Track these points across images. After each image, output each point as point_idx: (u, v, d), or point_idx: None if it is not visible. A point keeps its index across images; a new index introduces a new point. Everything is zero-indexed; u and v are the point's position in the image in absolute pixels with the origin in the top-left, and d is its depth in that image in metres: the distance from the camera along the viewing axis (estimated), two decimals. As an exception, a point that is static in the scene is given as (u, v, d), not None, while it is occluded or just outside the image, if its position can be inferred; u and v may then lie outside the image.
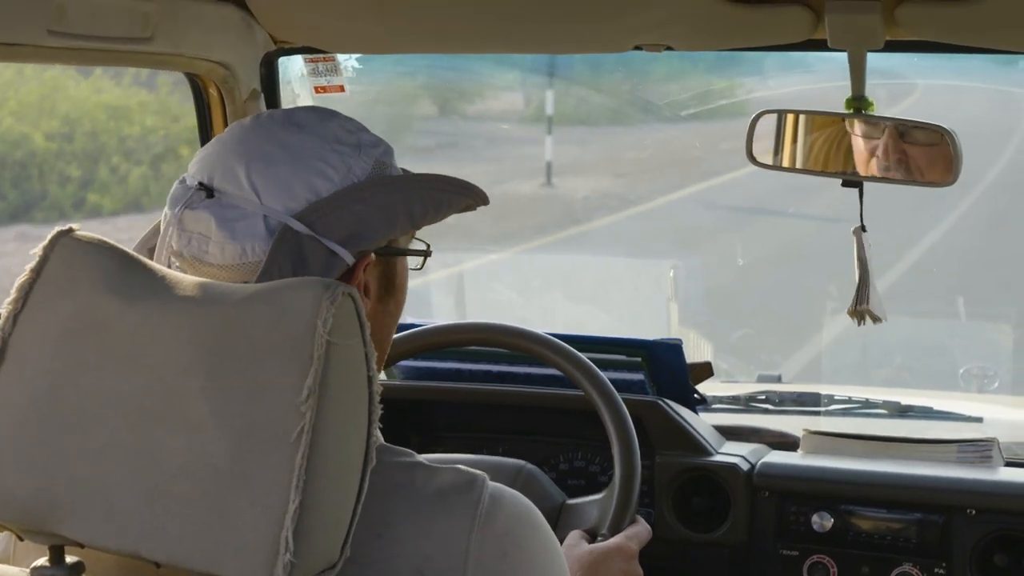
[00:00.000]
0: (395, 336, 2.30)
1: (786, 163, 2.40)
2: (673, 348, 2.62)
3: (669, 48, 2.22)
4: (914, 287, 8.94)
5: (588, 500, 2.18)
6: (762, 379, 3.30)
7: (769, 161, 2.40)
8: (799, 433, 2.59)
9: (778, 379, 3.33)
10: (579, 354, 2.22)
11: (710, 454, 2.46)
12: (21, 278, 1.29)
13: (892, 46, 2.10)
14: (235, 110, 2.36)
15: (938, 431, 2.70)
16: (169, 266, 1.41)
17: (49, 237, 1.31)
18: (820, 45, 2.10)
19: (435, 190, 1.50)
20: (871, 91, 2.26)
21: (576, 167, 14.60)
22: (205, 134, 2.40)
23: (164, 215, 1.46)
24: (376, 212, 1.44)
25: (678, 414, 2.49)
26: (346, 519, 1.24)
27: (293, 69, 2.57)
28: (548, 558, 1.41)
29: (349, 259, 1.43)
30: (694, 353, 3.54)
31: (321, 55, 2.52)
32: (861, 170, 2.33)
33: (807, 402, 2.92)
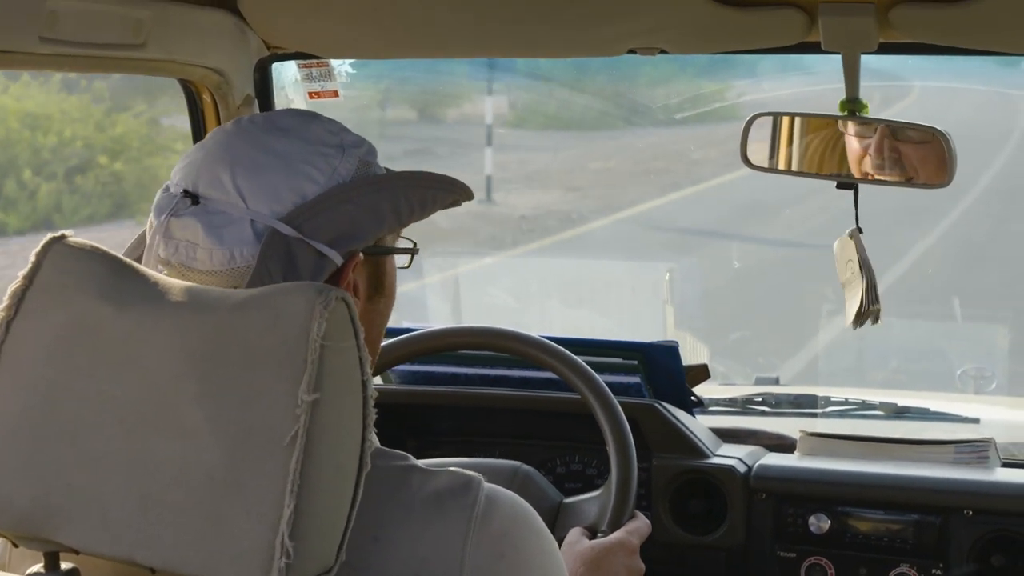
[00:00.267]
0: (392, 341, 2.31)
1: (781, 165, 2.40)
2: (669, 351, 2.62)
3: (663, 52, 2.22)
4: (911, 289, 8.95)
5: (586, 498, 2.18)
6: (760, 381, 3.30)
7: (764, 164, 2.40)
8: (796, 435, 2.59)
9: (776, 381, 3.33)
10: (575, 357, 2.22)
11: (707, 456, 2.46)
12: (14, 285, 1.29)
13: (886, 48, 2.10)
14: (229, 116, 2.36)
15: (935, 432, 2.70)
16: None
17: (42, 243, 1.31)
18: (814, 48, 2.10)
19: (420, 187, 1.50)
20: (867, 93, 2.26)
21: (532, 178, 14.28)
22: (198, 141, 2.39)
23: (149, 224, 1.46)
24: (363, 212, 1.44)
25: (675, 417, 2.49)
26: (341, 523, 1.24)
27: (287, 75, 2.57)
28: (546, 559, 1.41)
29: (338, 260, 1.43)
30: (690, 356, 3.54)
31: (315, 61, 2.52)
32: (856, 172, 2.33)
33: (804, 404, 2.92)
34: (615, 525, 2.07)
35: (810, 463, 2.49)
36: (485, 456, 2.50)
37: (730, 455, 2.49)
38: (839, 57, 2.12)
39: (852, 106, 2.24)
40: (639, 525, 2.08)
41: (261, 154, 1.45)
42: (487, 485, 1.38)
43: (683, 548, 2.46)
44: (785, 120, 2.39)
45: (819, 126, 2.38)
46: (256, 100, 2.41)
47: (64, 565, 1.28)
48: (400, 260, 1.57)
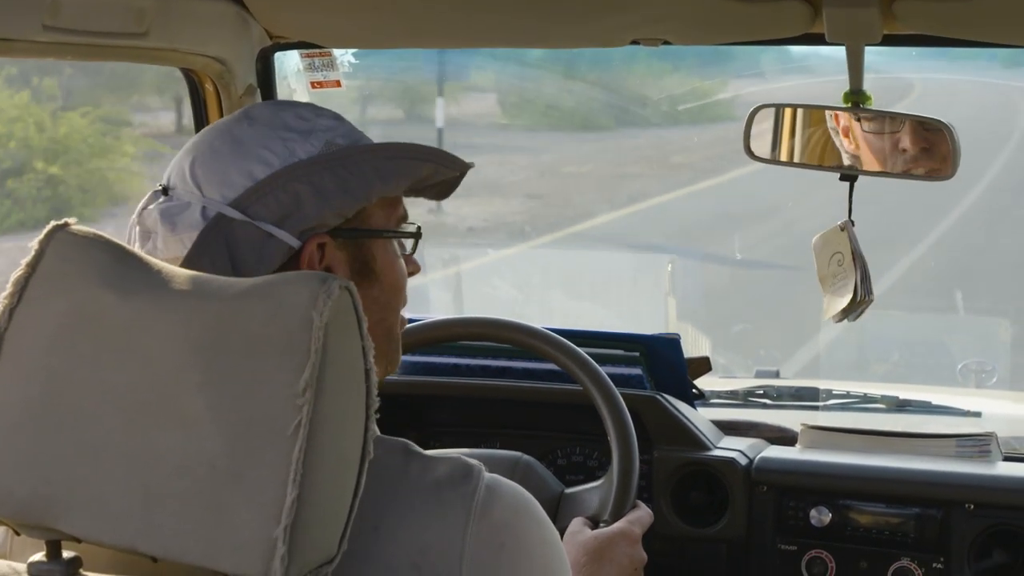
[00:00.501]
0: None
1: (784, 157, 2.40)
2: (671, 343, 2.62)
3: (667, 42, 2.22)
4: (914, 284, 8.96)
5: (587, 488, 2.18)
6: (760, 374, 3.30)
7: (767, 155, 2.40)
8: (797, 428, 2.58)
9: (776, 374, 3.33)
10: (577, 349, 2.22)
11: (708, 449, 2.46)
12: (16, 273, 1.29)
13: (890, 40, 2.10)
14: (231, 105, 2.36)
15: (936, 426, 2.70)
16: None
17: (45, 231, 1.31)
18: (818, 39, 2.10)
19: (383, 159, 1.47)
20: (869, 87, 2.26)
21: (496, 183, 13.96)
22: (200, 129, 2.39)
23: None
24: (310, 189, 1.43)
25: (676, 409, 2.49)
26: (344, 513, 1.24)
27: (289, 64, 2.57)
28: (547, 549, 1.41)
29: (291, 240, 1.42)
30: (692, 348, 3.54)
31: (317, 50, 2.51)
32: (871, 166, 2.32)
33: (805, 397, 2.92)
34: (617, 515, 2.07)
35: (811, 456, 2.48)
36: (486, 447, 2.50)
37: (731, 447, 2.49)
38: (818, 57, 2.11)
39: (856, 98, 2.24)
40: (641, 515, 2.08)
41: (219, 142, 1.47)
42: (488, 474, 1.38)
43: (684, 540, 2.46)
44: (787, 112, 2.39)
45: (822, 118, 2.38)
46: (258, 90, 2.41)
47: (66, 554, 1.27)
48: (407, 246, 1.56)
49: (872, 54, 2.16)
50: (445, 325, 2.36)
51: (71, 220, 1.33)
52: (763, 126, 2.39)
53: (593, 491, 2.17)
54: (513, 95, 15.75)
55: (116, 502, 1.22)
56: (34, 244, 1.30)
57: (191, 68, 2.32)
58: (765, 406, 2.88)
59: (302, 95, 2.55)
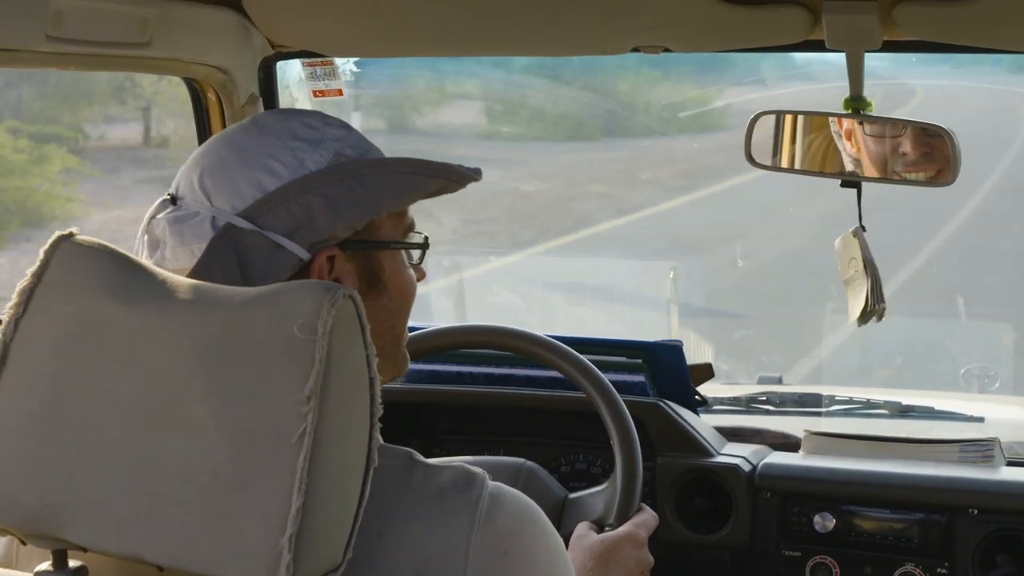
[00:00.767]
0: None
1: (784, 164, 2.41)
2: (674, 350, 2.62)
3: (667, 50, 2.22)
4: (916, 289, 8.95)
5: (591, 492, 2.18)
6: (763, 380, 3.30)
7: (768, 162, 2.41)
8: (800, 434, 2.59)
9: (779, 380, 3.33)
10: (580, 356, 2.22)
11: (711, 455, 2.46)
12: (22, 283, 1.29)
13: (890, 46, 2.11)
14: (233, 114, 2.36)
15: (940, 431, 2.70)
16: None
17: (50, 241, 1.31)
18: (818, 46, 2.10)
19: (394, 174, 1.47)
20: (870, 93, 2.26)
21: (437, 204, 13.60)
22: (203, 139, 2.40)
23: None
24: (322, 202, 1.43)
25: (679, 415, 2.49)
26: (348, 521, 1.24)
27: (291, 73, 2.57)
28: (550, 556, 1.41)
29: (302, 253, 1.42)
30: (695, 355, 3.55)
31: (319, 59, 2.52)
32: (871, 171, 2.33)
33: (808, 403, 2.92)
34: (622, 518, 2.07)
35: (815, 462, 2.49)
36: (490, 455, 2.50)
37: (735, 454, 2.49)
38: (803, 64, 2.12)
39: (857, 104, 2.24)
40: (646, 518, 2.08)
41: (227, 151, 1.47)
42: (491, 482, 1.38)
43: (688, 547, 2.46)
44: (788, 118, 2.39)
45: (823, 124, 2.38)
46: (260, 99, 2.42)
47: (72, 563, 1.28)
48: (414, 255, 1.56)
49: (873, 60, 2.17)
50: (448, 333, 2.36)
51: (75, 230, 1.34)
52: (764, 133, 2.39)
53: (597, 495, 2.17)
54: (499, 103, 15.55)
55: (121, 511, 1.22)
56: (39, 254, 1.31)
57: (193, 77, 2.33)
58: (768, 412, 2.89)
59: (304, 104, 2.56)
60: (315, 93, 2.55)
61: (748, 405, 2.90)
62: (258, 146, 1.46)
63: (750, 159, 2.39)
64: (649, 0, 2.02)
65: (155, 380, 1.22)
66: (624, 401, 2.18)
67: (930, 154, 2.29)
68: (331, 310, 1.22)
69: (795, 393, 2.97)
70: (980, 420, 2.81)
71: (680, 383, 2.61)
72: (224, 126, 2.36)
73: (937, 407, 2.90)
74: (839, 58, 2.14)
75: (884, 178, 2.33)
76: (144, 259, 1.43)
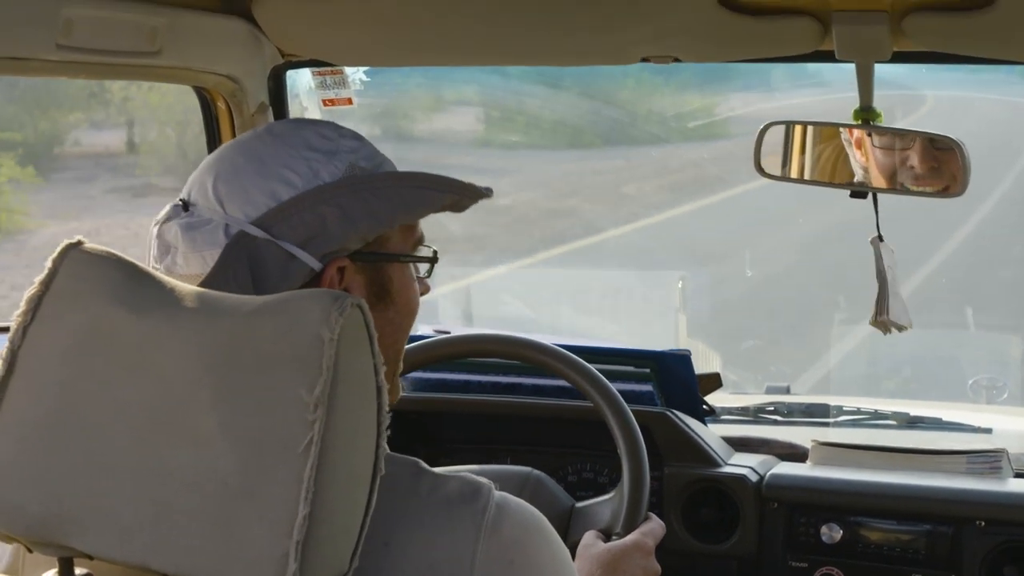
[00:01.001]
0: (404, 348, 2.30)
1: (794, 174, 2.41)
2: (682, 359, 2.62)
3: (676, 60, 2.23)
4: (924, 299, 8.93)
5: (598, 501, 2.18)
6: (770, 390, 3.29)
7: (777, 172, 2.41)
8: (808, 444, 2.58)
9: (786, 390, 3.33)
10: (587, 365, 2.22)
11: (719, 465, 2.46)
12: (30, 291, 1.29)
13: (899, 57, 2.11)
14: (243, 123, 2.37)
15: (947, 442, 2.70)
16: None
17: (58, 249, 1.32)
18: (827, 56, 2.10)
19: (408, 187, 1.47)
20: (880, 103, 2.26)
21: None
22: (212, 148, 2.40)
23: None
24: (336, 213, 1.43)
25: (687, 425, 2.49)
26: (355, 530, 1.24)
27: (301, 82, 2.58)
28: (556, 566, 1.41)
29: (313, 263, 1.42)
30: (703, 364, 3.54)
31: (329, 68, 2.52)
32: (879, 182, 2.32)
33: (816, 413, 2.92)
34: (630, 527, 2.07)
35: (822, 472, 2.48)
36: (497, 464, 2.50)
37: (742, 464, 2.48)
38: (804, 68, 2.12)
39: (866, 115, 2.24)
40: (653, 526, 2.08)
41: (242, 159, 1.46)
42: (497, 492, 1.38)
43: (695, 556, 2.46)
44: (798, 128, 2.39)
45: (832, 135, 2.38)
46: (270, 108, 2.42)
47: (78, 571, 1.28)
48: (421, 269, 1.56)
49: (885, 68, 2.17)
50: (455, 342, 2.36)
51: (82, 238, 1.34)
52: (773, 143, 2.40)
53: (604, 504, 2.17)
54: (496, 110, 15.37)
55: (128, 519, 1.22)
56: (47, 262, 1.31)
57: (203, 86, 2.33)
58: (776, 422, 2.88)
59: (314, 113, 2.57)
60: (325, 102, 2.56)
61: (756, 415, 2.90)
62: (273, 155, 1.46)
63: (759, 169, 2.39)
64: (658, 10, 2.02)
65: (162, 388, 1.22)
66: (632, 410, 2.18)
67: (938, 168, 2.29)
68: (339, 319, 1.22)
69: (803, 403, 2.97)
70: (988, 431, 2.80)
71: (688, 393, 2.61)
72: (234, 135, 2.37)
73: (945, 418, 2.90)
74: (849, 65, 2.15)
75: (893, 189, 2.33)
76: (152, 264, 1.43)
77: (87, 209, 13.04)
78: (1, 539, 1.30)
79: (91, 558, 1.25)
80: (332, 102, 2.57)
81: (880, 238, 2.35)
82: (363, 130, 1.55)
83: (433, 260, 1.56)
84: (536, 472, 2.24)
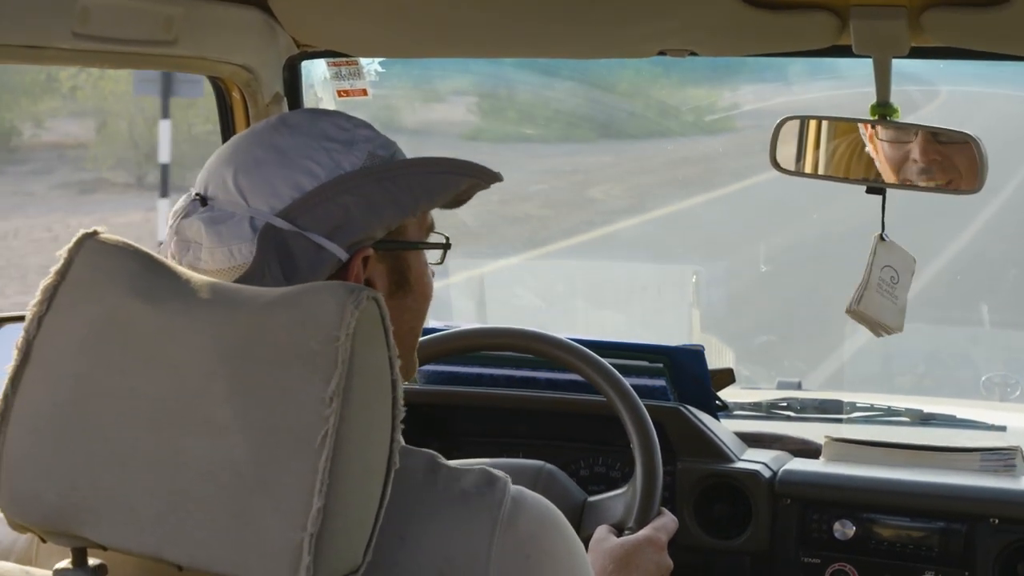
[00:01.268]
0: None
1: (808, 169, 2.40)
2: (695, 354, 2.62)
3: (693, 54, 2.22)
4: (938, 296, 8.92)
5: (610, 496, 2.18)
6: (782, 385, 3.29)
7: (792, 167, 2.40)
8: (821, 440, 2.58)
9: (798, 386, 3.32)
10: (601, 360, 2.21)
11: (732, 461, 2.46)
12: (46, 280, 1.29)
13: (917, 52, 2.10)
14: (258, 113, 2.36)
15: (961, 439, 2.69)
16: None
17: (74, 239, 1.32)
18: (845, 51, 2.10)
19: (427, 173, 1.48)
20: (893, 96, 2.26)
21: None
22: (227, 137, 2.40)
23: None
24: (361, 202, 1.43)
25: (700, 420, 2.48)
26: (369, 522, 1.24)
27: (316, 73, 2.57)
28: (572, 560, 1.41)
29: (341, 253, 1.43)
30: (716, 359, 3.54)
31: (344, 59, 2.52)
32: (889, 177, 2.32)
33: (829, 409, 2.92)
34: (642, 522, 2.07)
35: (835, 469, 2.48)
36: (509, 457, 2.49)
37: (755, 460, 2.48)
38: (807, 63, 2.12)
39: (883, 110, 2.24)
40: (666, 522, 2.08)
41: (263, 152, 1.46)
42: (513, 486, 1.38)
43: (707, 552, 2.46)
44: (813, 124, 2.39)
45: (848, 130, 2.37)
46: (285, 98, 2.42)
47: (92, 561, 1.28)
48: (432, 256, 1.56)
49: (899, 62, 2.16)
50: (469, 335, 2.36)
51: (100, 228, 1.34)
52: (788, 138, 2.39)
53: (617, 499, 2.16)
54: (487, 101, 15.14)
55: (142, 509, 1.22)
56: (63, 252, 1.31)
57: (219, 76, 2.33)
58: (789, 418, 2.88)
59: (328, 103, 2.56)
60: (340, 93, 2.56)
61: (769, 411, 2.90)
62: (293, 147, 1.46)
63: (775, 164, 2.39)
64: (676, 4, 2.02)
65: (178, 379, 1.22)
66: (645, 405, 2.18)
67: (940, 162, 2.28)
68: (354, 312, 1.22)
69: (816, 399, 2.96)
70: (1002, 429, 2.79)
71: (701, 388, 2.61)
72: (248, 125, 2.37)
73: (958, 415, 2.89)
74: (865, 59, 2.14)
75: (910, 185, 2.32)
76: (172, 260, 1.43)
77: (19, 207, 12.86)
78: (15, 529, 1.30)
79: (105, 548, 1.25)
80: (347, 93, 2.57)
81: (882, 237, 2.34)
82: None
83: (447, 246, 1.56)
84: (548, 466, 2.24)
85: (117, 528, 1.23)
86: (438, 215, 1.57)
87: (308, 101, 2.54)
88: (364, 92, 2.58)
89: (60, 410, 1.25)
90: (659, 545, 2.03)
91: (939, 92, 14.69)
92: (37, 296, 1.29)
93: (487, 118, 15.26)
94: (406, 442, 1.37)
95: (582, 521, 2.16)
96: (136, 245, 1.33)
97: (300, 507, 1.18)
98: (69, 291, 1.29)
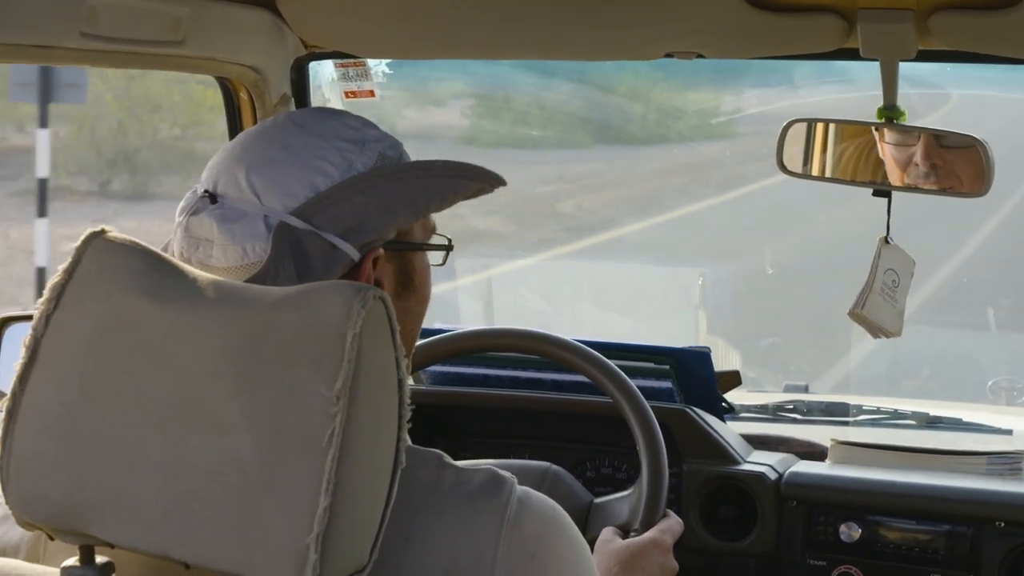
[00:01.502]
0: (424, 341, 2.31)
1: (816, 172, 2.40)
2: (701, 356, 2.62)
3: (700, 56, 2.22)
4: (945, 299, 8.91)
5: (616, 497, 2.18)
6: (789, 388, 3.29)
7: (799, 170, 2.40)
8: (827, 443, 2.58)
9: (805, 388, 3.32)
10: (607, 361, 2.22)
11: (738, 463, 2.46)
12: (54, 279, 1.30)
13: (924, 55, 2.10)
14: (265, 114, 2.37)
15: (967, 443, 2.69)
16: None
17: (82, 238, 1.32)
18: (852, 54, 2.10)
19: (439, 176, 1.49)
20: (903, 99, 2.26)
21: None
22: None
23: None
24: (375, 204, 1.44)
25: (706, 422, 2.49)
26: (375, 522, 1.24)
27: (324, 74, 2.58)
28: (578, 561, 1.41)
29: (353, 253, 1.43)
30: (722, 362, 3.53)
31: (351, 60, 2.53)
32: (894, 180, 2.32)
33: (835, 412, 2.91)
34: (648, 524, 2.07)
35: (841, 471, 2.48)
36: (515, 458, 2.50)
37: (761, 462, 2.48)
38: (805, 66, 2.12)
39: (890, 113, 2.24)
40: (672, 524, 2.08)
41: (275, 151, 1.46)
42: (519, 487, 1.38)
43: (713, 554, 2.46)
44: (820, 127, 2.39)
45: (855, 133, 2.38)
46: (292, 99, 2.42)
47: (99, 559, 1.28)
48: (434, 257, 1.57)
49: (909, 65, 2.16)
50: (475, 336, 2.36)
51: (107, 227, 1.34)
52: (795, 141, 2.39)
53: (623, 500, 2.16)
54: (481, 105, 14.95)
55: (149, 508, 1.22)
56: (71, 250, 1.31)
57: (226, 77, 2.33)
58: (795, 421, 2.88)
59: (336, 105, 2.57)
60: (347, 94, 2.56)
61: (775, 413, 2.90)
62: (306, 146, 1.46)
63: (781, 167, 2.39)
64: (683, 6, 2.02)
65: (184, 378, 1.23)
66: (651, 407, 2.18)
67: (942, 167, 2.28)
68: (361, 311, 1.22)
69: (822, 402, 2.96)
70: (1008, 432, 2.79)
71: (707, 390, 2.61)
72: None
73: (965, 419, 2.89)
74: (874, 62, 2.14)
75: (916, 188, 2.33)
76: (180, 257, 1.43)
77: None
78: (23, 526, 1.30)
79: (112, 546, 1.25)
80: (354, 94, 2.57)
81: (887, 240, 2.34)
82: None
83: (450, 248, 1.57)
84: (555, 467, 2.24)
85: (124, 526, 1.23)
86: (453, 211, 1.58)
87: (315, 102, 2.54)
88: (371, 93, 2.59)
89: (67, 409, 1.25)
90: (664, 547, 2.03)
91: (950, 96, 14.67)
92: (45, 294, 1.29)
93: (482, 122, 15.12)
94: (412, 443, 1.37)
95: (588, 522, 2.16)
96: (143, 244, 1.33)
97: (306, 506, 1.18)
98: (77, 289, 1.29)
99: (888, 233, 2.34)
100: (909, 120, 2.27)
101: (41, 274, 10.45)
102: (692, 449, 2.46)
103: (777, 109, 11.84)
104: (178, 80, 14.40)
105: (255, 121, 2.38)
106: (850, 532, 2.39)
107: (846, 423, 2.89)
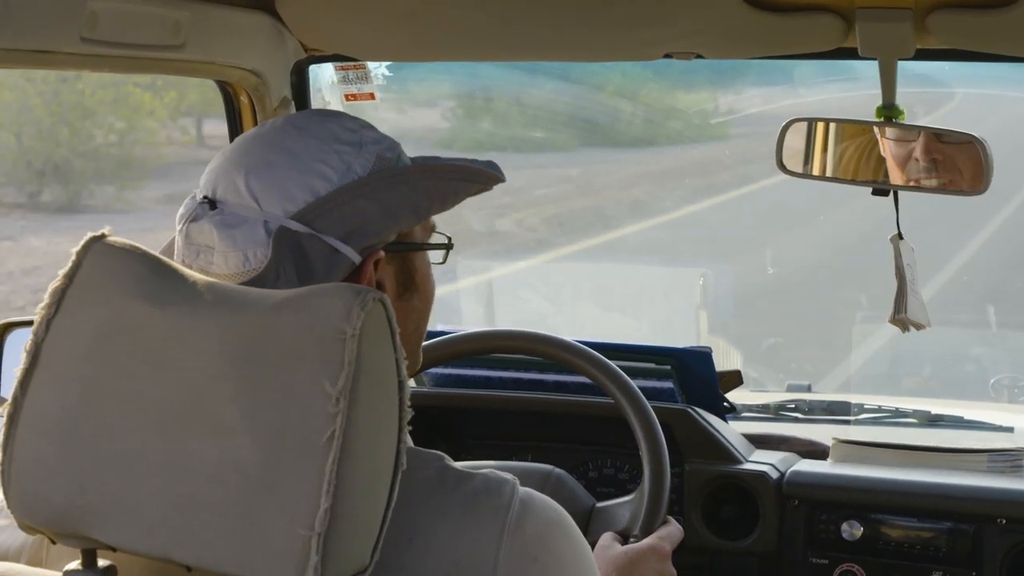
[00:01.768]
0: (426, 343, 2.31)
1: (816, 171, 2.40)
2: (703, 356, 2.62)
3: (699, 56, 2.23)
4: (947, 298, 8.91)
5: (618, 502, 2.18)
6: (792, 388, 3.29)
7: (799, 169, 2.40)
8: (829, 442, 2.58)
9: (808, 388, 3.32)
10: (608, 362, 2.22)
11: (739, 462, 2.46)
12: (54, 283, 1.30)
13: (923, 54, 2.10)
14: (266, 118, 2.37)
15: (968, 440, 2.69)
16: None
17: (82, 242, 1.32)
18: (851, 53, 2.10)
19: (439, 179, 1.49)
20: (906, 98, 2.26)
21: None
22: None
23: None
24: (376, 207, 1.44)
25: (707, 422, 2.49)
26: (376, 523, 1.24)
27: (324, 77, 2.58)
28: (579, 563, 1.41)
29: (354, 256, 1.43)
30: (724, 362, 3.53)
31: (351, 63, 2.53)
32: (894, 178, 2.32)
33: (837, 411, 2.91)
34: (647, 530, 2.07)
35: (843, 470, 2.48)
36: (518, 460, 2.50)
37: (763, 461, 2.48)
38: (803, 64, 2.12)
39: (889, 112, 2.24)
40: (671, 531, 2.08)
41: (274, 155, 1.46)
42: (522, 488, 1.39)
43: (715, 553, 2.46)
44: (820, 126, 2.39)
45: (855, 132, 2.38)
46: (293, 102, 2.43)
47: (101, 562, 1.29)
48: (435, 256, 1.57)
49: (913, 64, 2.16)
50: (477, 338, 2.36)
51: (107, 231, 1.34)
52: (795, 140, 2.39)
53: (624, 506, 2.17)
54: (461, 106, 14.82)
55: (150, 511, 1.23)
56: (71, 255, 1.31)
57: (227, 80, 2.34)
58: (796, 420, 2.88)
59: (336, 107, 2.57)
60: (347, 97, 2.56)
61: (777, 412, 2.90)
62: (304, 149, 1.46)
63: (781, 166, 2.39)
64: (683, 7, 2.02)
65: (185, 381, 1.23)
66: (652, 407, 2.18)
67: (942, 161, 2.28)
68: (360, 313, 1.22)
69: (824, 401, 2.96)
70: (1009, 430, 2.79)
71: (709, 390, 2.61)
72: (256, 129, 2.37)
73: (966, 416, 2.89)
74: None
75: (916, 186, 2.33)
76: (180, 263, 1.43)
77: None
78: (25, 530, 1.31)
79: (114, 550, 1.26)
80: (354, 97, 2.58)
81: (900, 236, 2.35)
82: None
83: (450, 246, 1.57)
84: (557, 470, 2.24)
85: (125, 530, 1.23)
86: (454, 212, 1.58)
87: (316, 105, 2.54)
88: (372, 96, 2.59)
89: (68, 413, 1.26)
90: (663, 554, 2.03)
91: (954, 94, 14.66)
92: (46, 299, 1.29)
93: (463, 123, 15.04)
94: (414, 445, 1.37)
95: (589, 527, 2.16)
96: (143, 248, 1.33)
97: (307, 508, 1.18)
98: (77, 294, 1.29)
99: (899, 229, 2.35)
100: (909, 119, 2.27)
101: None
102: (694, 449, 2.46)
103: (778, 109, 11.83)
104: (112, 82, 13.86)
105: (255, 125, 2.38)
106: (852, 530, 2.39)
107: (847, 422, 2.89)
